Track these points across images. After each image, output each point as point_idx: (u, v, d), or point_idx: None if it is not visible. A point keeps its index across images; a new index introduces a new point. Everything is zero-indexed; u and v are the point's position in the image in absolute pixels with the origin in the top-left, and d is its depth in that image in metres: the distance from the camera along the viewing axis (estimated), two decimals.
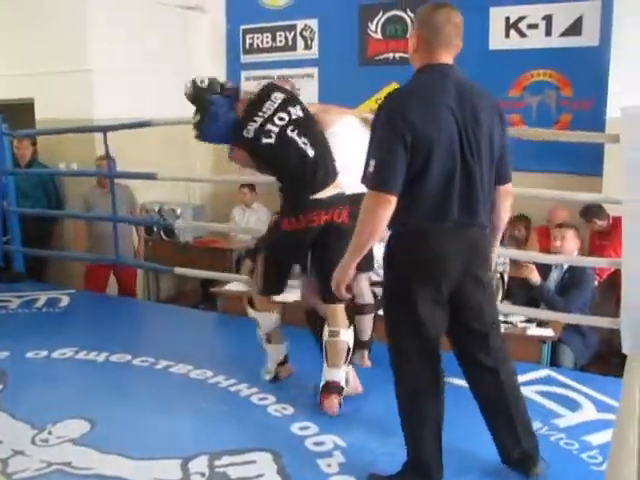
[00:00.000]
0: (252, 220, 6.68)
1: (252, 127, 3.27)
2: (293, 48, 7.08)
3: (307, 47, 7.01)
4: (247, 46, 7.28)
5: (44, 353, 4.16)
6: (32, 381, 3.76)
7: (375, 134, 2.44)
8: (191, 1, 7.17)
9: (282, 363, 3.68)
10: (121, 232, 5.55)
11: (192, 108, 3.46)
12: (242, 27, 7.24)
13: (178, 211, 6.67)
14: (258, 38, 7.19)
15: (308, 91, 6.98)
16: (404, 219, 2.47)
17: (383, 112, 2.43)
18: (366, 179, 2.42)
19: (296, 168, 3.26)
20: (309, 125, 3.37)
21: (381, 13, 6.59)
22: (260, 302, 3.58)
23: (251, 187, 6.67)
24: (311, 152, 3.27)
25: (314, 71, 7.00)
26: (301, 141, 3.27)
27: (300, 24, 7.02)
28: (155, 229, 6.80)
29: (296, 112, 3.34)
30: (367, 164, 2.42)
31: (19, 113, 6.75)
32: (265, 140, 3.26)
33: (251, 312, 3.62)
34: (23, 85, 6.63)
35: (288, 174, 3.31)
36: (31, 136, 6.50)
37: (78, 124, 5.98)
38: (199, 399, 3.50)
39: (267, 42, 7.15)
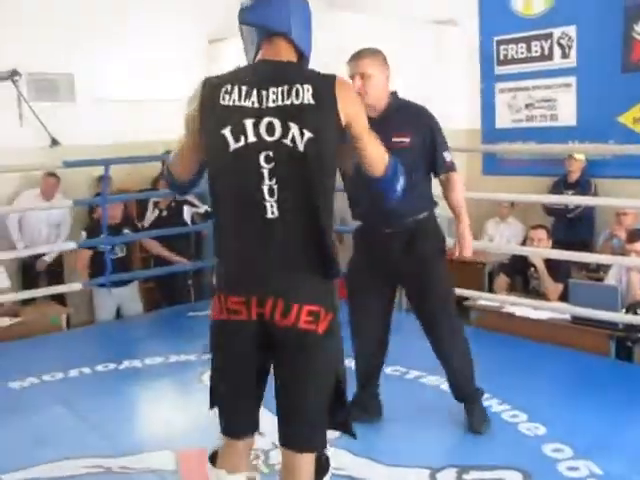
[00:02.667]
0: (506, 234, 6.55)
1: None
2: (549, 57, 6.83)
3: (564, 56, 6.73)
4: (501, 57, 7.16)
5: None
6: None
7: (441, 132, 3.15)
8: (443, 15, 7.20)
9: None
10: None
11: None
12: (495, 38, 7.14)
13: None
14: (512, 49, 7.04)
15: (565, 101, 6.73)
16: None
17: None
18: (449, 165, 3.16)
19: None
20: None
21: None
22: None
23: (512, 202, 6.55)
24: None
25: (572, 80, 6.70)
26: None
27: (557, 32, 6.75)
28: None
29: None
30: (444, 154, 3.14)
31: None
32: None
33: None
34: None
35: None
36: None
37: None
38: (449, 411, 3.48)
39: (522, 52, 6.98)
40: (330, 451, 2.16)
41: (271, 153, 1.93)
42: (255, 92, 1.94)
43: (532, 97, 6.92)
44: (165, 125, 7.52)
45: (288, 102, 1.93)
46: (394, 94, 3.16)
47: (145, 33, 7.15)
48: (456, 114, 6.27)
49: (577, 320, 4.45)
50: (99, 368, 4.30)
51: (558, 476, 2.87)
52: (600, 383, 3.77)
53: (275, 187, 1.94)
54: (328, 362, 2.09)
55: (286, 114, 1.93)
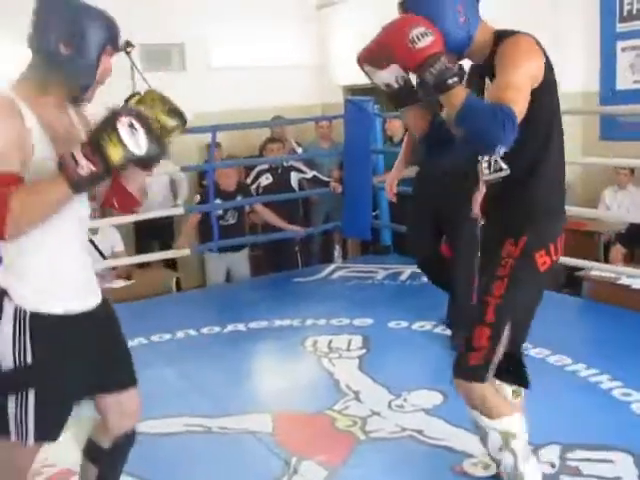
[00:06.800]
0: (625, 203, 6.20)
1: None
2: None
3: None
4: (625, 13, 6.70)
5: (404, 324, 4.35)
6: (392, 349, 3.95)
7: None
8: None
9: None
10: None
11: None
12: None
13: None
14: (638, 2, 6.59)
15: None
16: None
17: None
18: None
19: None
20: None
21: None
22: (496, 399, 2.33)
23: (632, 169, 6.18)
24: None
25: None
26: None
27: None
28: None
29: None
30: None
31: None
32: None
33: (489, 422, 2.29)
34: None
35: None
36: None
37: None
38: (555, 386, 3.34)
39: None
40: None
41: None
42: None
43: None
44: (273, 92, 7.65)
45: None
46: None
47: (253, 2, 7.19)
48: (571, 74, 5.92)
49: None
50: (204, 331, 4.40)
51: None
52: None
53: None
54: None
55: None
